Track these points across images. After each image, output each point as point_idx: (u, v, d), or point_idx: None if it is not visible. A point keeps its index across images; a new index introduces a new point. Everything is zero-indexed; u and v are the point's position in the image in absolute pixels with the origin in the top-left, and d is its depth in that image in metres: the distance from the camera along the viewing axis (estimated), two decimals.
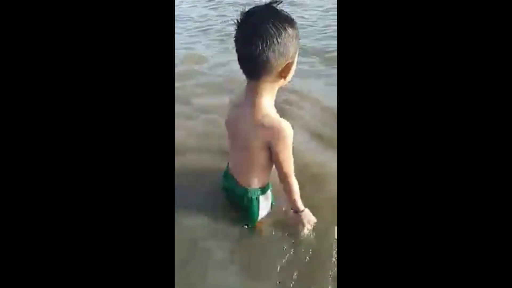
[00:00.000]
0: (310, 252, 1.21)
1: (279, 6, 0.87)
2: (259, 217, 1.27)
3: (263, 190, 1.21)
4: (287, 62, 0.88)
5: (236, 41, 0.89)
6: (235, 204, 1.29)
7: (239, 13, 0.87)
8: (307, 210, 1.20)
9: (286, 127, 0.97)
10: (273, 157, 1.05)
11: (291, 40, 0.85)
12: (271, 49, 0.83)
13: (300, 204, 1.19)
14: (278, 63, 0.87)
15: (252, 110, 0.98)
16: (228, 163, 1.30)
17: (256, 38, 0.82)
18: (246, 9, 0.86)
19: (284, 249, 1.23)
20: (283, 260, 1.19)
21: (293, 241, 1.24)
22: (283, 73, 0.90)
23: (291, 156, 1.05)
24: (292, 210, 1.21)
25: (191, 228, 1.31)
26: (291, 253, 1.22)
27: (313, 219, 1.21)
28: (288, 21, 0.85)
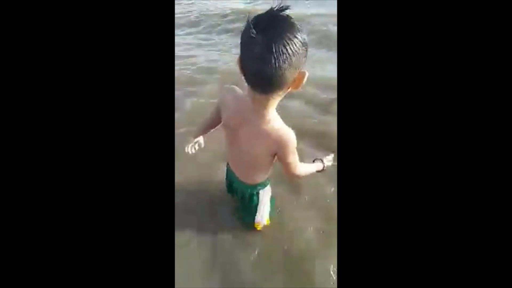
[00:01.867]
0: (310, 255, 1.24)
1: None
2: (260, 212, 1.31)
3: (263, 184, 1.27)
4: (299, 72, 0.84)
5: (246, 56, 0.82)
6: (235, 196, 1.34)
7: (245, 23, 0.80)
8: (325, 164, 1.31)
9: (290, 136, 0.98)
10: (280, 161, 1.09)
11: (303, 49, 0.80)
12: (288, 65, 0.78)
13: (318, 167, 1.29)
14: (292, 76, 0.83)
15: (258, 121, 0.97)
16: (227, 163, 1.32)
17: (273, 55, 0.76)
18: (252, 19, 0.79)
19: (285, 248, 1.26)
20: (284, 261, 1.22)
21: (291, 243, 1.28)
22: (296, 84, 0.86)
23: (297, 157, 1.08)
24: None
25: (188, 227, 1.35)
26: (292, 254, 1.26)
27: (331, 159, 1.35)
28: (299, 30, 0.79)
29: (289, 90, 0.89)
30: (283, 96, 0.92)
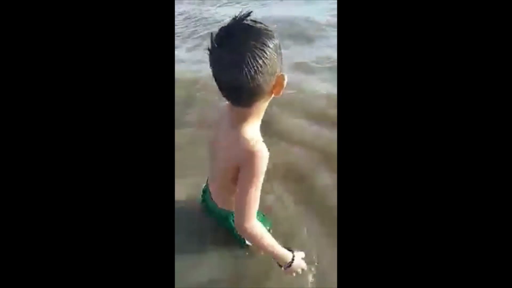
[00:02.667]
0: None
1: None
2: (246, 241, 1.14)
3: None
4: (277, 77, 0.80)
5: (214, 68, 0.79)
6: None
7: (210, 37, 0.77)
8: (296, 259, 1.01)
9: (259, 149, 0.85)
10: (237, 188, 0.91)
11: (275, 54, 0.76)
12: (260, 73, 0.74)
13: (281, 255, 0.98)
14: (269, 84, 0.79)
15: (233, 133, 0.89)
16: (207, 179, 1.25)
17: (240, 65, 0.72)
18: (217, 31, 0.77)
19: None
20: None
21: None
22: (275, 90, 0.82)
23: (258, 189, 0.89)
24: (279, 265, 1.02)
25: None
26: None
27: (304, 266, 1.05)
28: (268, 35, 0.75)
29: (272, 96, 0.85)
30: (265, 105, 0.88)
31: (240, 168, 0.89)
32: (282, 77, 0.80)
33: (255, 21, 0.76)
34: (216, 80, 0.80)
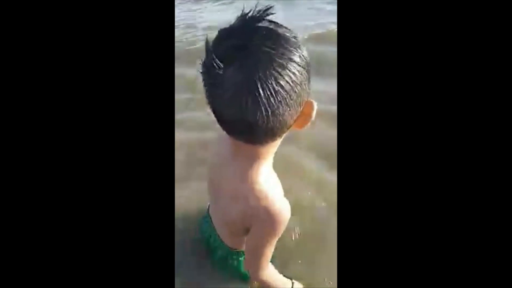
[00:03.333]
0: None
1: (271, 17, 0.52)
2: None
3: None
4: (306, 104, 0.57)
5: (212, 94, 0.54)
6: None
7: (206, 42, 0.52)
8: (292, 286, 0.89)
9: (279, 208, 0.64)
10: (247, 244, 0.76)
11: (303, 73, 0.53)
12: (284, 106, 0.51)
13: (284, 284, 0.86)
14: (294, 116, 0.56)
15: (239, 175, 0.66)
16: (208, 206, 1.00)
17: (256, 94, 0.49)
18: (218, 35, 0.53)
19: None
20: None
21: None
22: (300, 122, 0.59)
23: (273, 247, 0.72)
24: None
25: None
26: None
27: None
28: (296, 44, 0.52)
29: (289, 130, 0.60)
30: (280, 141, 0.63)
31: (252, 224, 0.69)
32: (310, 105, 0.57)
33: (275, 23, 0.52)
34: (214, 112, 0.57)
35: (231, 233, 0.84)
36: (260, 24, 0.50)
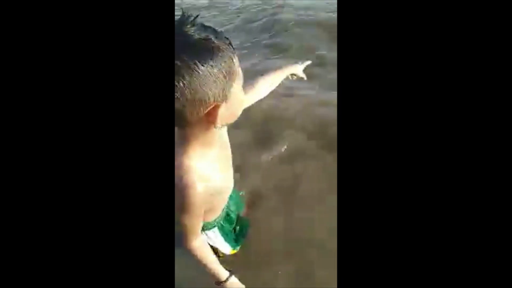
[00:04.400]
0: None
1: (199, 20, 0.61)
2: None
3: (205, 227, 1.01)
4: (212, 106, 0.65)
5: None
6: None
7: None
8: (231, 280, 0.97)
9: (183, 187, 0.73)
10: None
11: (209, 78, 0.61)
12: (179, 103, 0.61)
13: (218, 273, 0.95)
14: (195, 113, 0.65)
15: (176, 154, 0.76)
16: None
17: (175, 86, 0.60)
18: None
19: None
20: None
21: None
22: (210, 119, 0.68)
23: (190, 223, 0.83)
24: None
25: None
26: None
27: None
28: (203, 53, 0.60)
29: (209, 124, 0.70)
30: (211, 129, 0.73)
31: None
32: (218, 106, 0.65)
33: (204, 26, 0.61)
34: None
35: None
36: (182, 30, 0.59)
